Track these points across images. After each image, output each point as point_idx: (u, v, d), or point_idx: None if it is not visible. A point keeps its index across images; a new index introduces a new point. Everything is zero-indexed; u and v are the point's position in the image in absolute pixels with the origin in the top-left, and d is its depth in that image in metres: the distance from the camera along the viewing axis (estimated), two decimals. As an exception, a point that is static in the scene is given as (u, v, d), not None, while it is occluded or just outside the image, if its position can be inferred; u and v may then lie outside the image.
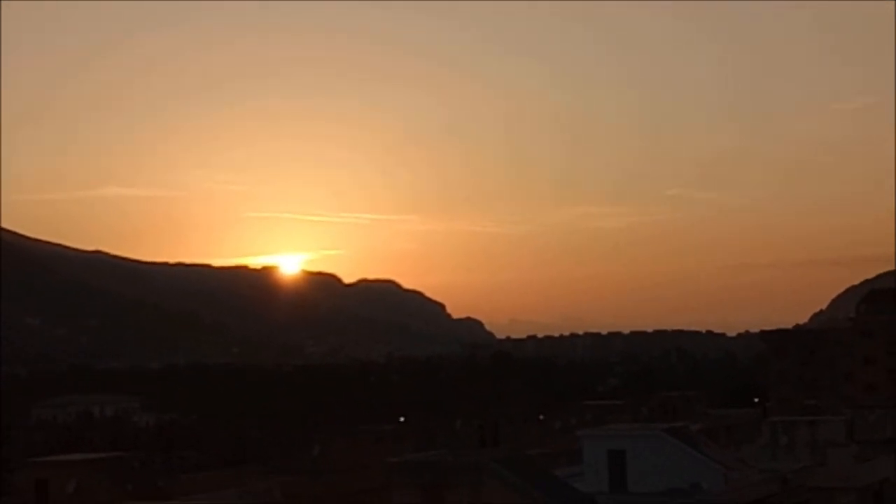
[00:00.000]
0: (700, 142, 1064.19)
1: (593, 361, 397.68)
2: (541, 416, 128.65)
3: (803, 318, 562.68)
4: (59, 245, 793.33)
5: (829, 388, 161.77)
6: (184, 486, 72.21)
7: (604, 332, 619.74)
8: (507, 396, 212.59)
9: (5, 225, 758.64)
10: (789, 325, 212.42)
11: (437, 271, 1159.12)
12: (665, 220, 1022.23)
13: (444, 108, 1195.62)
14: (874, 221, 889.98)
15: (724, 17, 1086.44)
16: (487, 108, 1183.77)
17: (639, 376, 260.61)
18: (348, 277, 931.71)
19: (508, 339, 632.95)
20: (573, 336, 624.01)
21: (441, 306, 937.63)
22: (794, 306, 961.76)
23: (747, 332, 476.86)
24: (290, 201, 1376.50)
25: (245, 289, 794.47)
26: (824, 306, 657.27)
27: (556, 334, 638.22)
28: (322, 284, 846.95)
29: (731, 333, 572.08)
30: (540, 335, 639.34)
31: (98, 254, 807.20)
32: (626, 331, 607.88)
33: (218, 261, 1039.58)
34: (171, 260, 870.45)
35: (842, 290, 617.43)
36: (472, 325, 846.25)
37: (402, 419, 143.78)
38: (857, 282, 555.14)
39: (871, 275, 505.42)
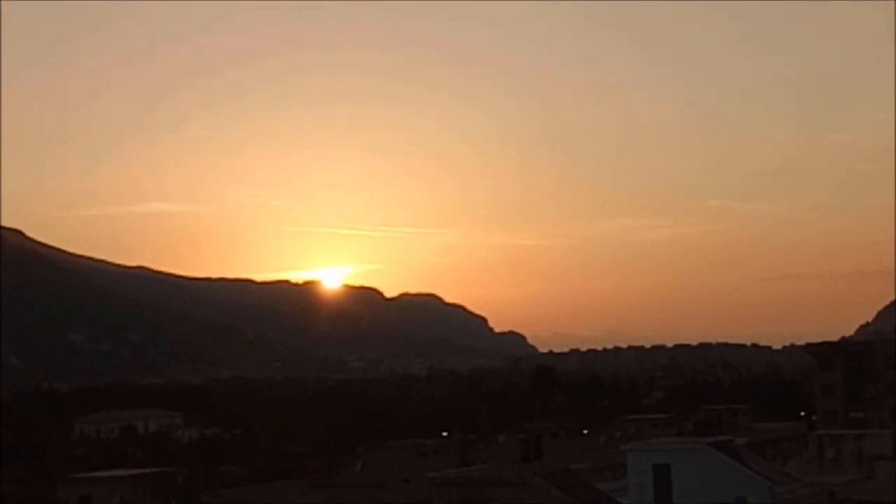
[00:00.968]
0: (743, 154, 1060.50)
1: (637, 375, 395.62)
2: (585, 430, 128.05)
3: (849, 331, 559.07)
4: (101, 261, 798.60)
5: (876, 401, 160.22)
6: (227, 500, 72.17)
7: (647, 345, 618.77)
8: (551, 410, 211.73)
9: (48, 241, 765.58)
10: (835, 338, 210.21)
11: (479, 285, 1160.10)
12: (708, 232, 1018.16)
13: (486, 121, 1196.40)
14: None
15: (766, 29, 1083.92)
16: (529, 120, 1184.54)
17: (683, 390, 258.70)
18: (390, 291, 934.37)
19: (551, 352, 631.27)
20: (616, 349, 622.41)
21: (483, 320, 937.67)
22: (839, 318, 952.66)
23: (792, 344, 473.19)
24: (332, 216, 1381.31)
25: (287, 303, 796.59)
26: (870, 318, 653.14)
27: (600, 348, 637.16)
28: (364, 299, 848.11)
29: (777, 346, 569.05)
30: (583, 349, 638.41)
31: (140, 269, 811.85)
32: (670, 344, 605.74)
33: (260, 275, 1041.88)
34: (214, 275, 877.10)
35: (888, 301, 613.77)
36: (514, 339, 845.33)
37: (444, 433, 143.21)
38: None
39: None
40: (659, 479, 61.65)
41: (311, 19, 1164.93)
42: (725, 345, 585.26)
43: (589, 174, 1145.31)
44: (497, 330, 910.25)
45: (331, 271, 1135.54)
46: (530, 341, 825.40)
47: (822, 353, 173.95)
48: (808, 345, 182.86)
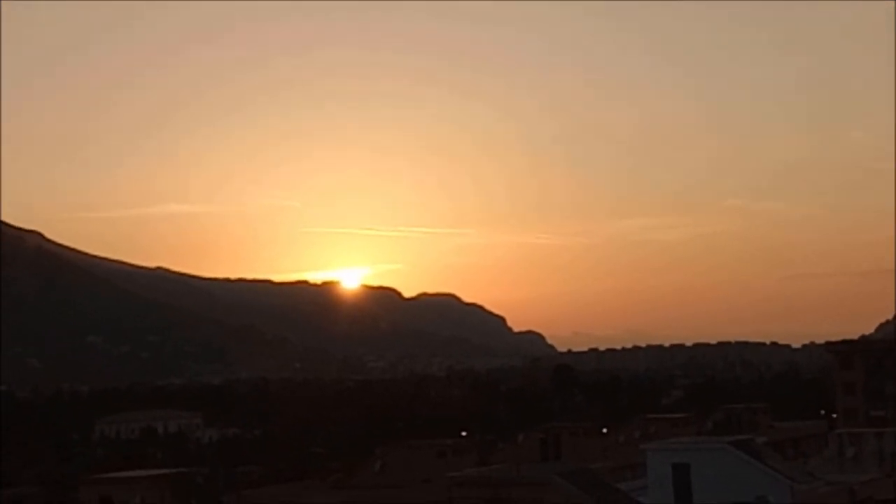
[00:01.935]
0: (760, 152, 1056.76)
1: (656, 374, 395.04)
2: (604, 430, 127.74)
3: (869, 329, 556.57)
4: (121, 262, 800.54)
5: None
6: (246, 501, 72.25)
7: (666, 344, 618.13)
8: (570, 410, 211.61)
9: (68, 243, 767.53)
10: (855, 336, 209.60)
11: (498, 285, 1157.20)
12: (726, 231, 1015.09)
13: (503, 121, 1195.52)
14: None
15: (782, 28, 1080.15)
16: (546, 120, 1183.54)
17: (702, 389, 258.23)
18: (408, 291, 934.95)
19: (570, 352, 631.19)
20: (635, 348, 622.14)
21: (501, 320, 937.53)
22: (859, 317, 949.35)
23: (812, 342, 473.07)
24: (349, 216, 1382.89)
25: (306, 304, 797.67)
26: (890, 316, 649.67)
27: (619, 347, 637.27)
28: (382, 299, 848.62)
29: (796, 344, 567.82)
30: (602, 348, 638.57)
31: (159, 270, 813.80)
32: (689, 343, 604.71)
33: (278, 276, 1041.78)
34: (232, 276, 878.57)
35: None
36: (532, 339, 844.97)
37: (463, 433, 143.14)
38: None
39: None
40: (679, 479, 61.54)
41: (329, 22, 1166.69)
42: (745, 343, 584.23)
43: (606, 173, 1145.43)
44: (515, 329, 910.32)
45: (349, 272, 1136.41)
46: (549, 341, 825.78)
47: (842, 351, 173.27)
48: (828, 343, 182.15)
